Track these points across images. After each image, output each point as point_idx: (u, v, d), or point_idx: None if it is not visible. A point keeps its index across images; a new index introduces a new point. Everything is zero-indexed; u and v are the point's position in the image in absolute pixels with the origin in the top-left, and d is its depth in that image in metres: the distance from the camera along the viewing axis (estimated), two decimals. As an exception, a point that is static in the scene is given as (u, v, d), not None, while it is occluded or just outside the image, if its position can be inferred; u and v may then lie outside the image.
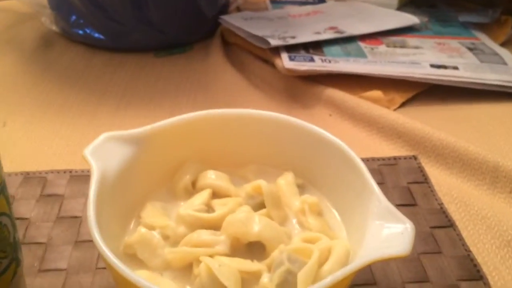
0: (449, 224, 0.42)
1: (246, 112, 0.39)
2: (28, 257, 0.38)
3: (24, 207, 0.42)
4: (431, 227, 0.41)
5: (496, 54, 0.64)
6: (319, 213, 0.36)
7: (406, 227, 0.28)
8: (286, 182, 0.37)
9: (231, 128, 0.39)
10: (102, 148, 0.34)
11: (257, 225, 0.32)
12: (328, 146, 0.36)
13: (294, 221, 0.35)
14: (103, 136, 0.35)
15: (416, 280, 0.37)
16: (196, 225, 0.34)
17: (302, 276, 0.29)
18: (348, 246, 0.32)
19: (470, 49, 0.65)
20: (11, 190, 0.44)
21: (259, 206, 0.35)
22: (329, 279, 0.25)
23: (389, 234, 0.28)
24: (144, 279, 0.26)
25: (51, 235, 0.40)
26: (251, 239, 0.32)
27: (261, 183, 0.35)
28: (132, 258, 0.33)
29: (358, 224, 0.32)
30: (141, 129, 0.36)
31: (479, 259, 0.39)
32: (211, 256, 0.31)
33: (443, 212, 0.43)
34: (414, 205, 0.44)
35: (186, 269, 0.32)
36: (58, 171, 0.46)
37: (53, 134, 0.52)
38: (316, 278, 0.29)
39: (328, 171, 0.37)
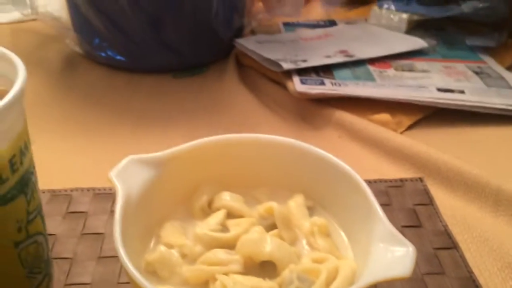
0: (453, 246, 0.43)
1: (260, 137, 0.41)
2: (55, 272, 0.40)
3: (51, 223, 0.45)
4: (435, 248, 0.43)
5: (502, 78, 0.66)
6: (327, 234, 0.38)
7: (408, 250, 0.31)
8: (296, 204, 0.40)
9: (246, 152, 0.41)
10: (126, 170, 0.37)
11: (269, 246, 0.34)
12: (335, 170, 0.38)
13: (304, 241, 0.38)
14: (127, 159, 0.37)
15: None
16: (212, 244, 0.36)
17: (311, 294, 0.31)
18: (354, 267, 0.34)
19: (477, 73, 0.67)
20: (39, 207, 0.47)
21: (271, 226, 0.38)
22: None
23: (392, 256, 0.31)
24: None
25: (76, 250, 0.43)
26: (264, 259, 0.34)
27: (273, 205, 0.38)
28: (152, 274, 0.35)
29: (364, 245, 0.34)
30: (162, 153, 0.39)
31: (481, 280, 0.41)
32: (226, 274, 0.33)
33: (447, 233, 0.45)
34: (419, 226, 0.46)
35: (202, 286, 0.34)
36: (82, 189, 0.49)
37: (76, 151, 0.55)
38: (323, 297, 0.32)
39: (335, 194, 0.39)
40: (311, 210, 0.40)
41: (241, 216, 0.39)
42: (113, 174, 0.36)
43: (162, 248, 0.36)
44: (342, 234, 0.38)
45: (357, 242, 0.37)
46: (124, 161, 0.37)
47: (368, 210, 0.35)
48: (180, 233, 0.38)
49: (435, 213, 0.47)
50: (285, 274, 0.33)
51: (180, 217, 0.40)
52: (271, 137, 0.41)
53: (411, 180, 0.51)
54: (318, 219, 0.38)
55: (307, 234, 0.38)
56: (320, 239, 0.37)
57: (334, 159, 0.39)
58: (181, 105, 0.65)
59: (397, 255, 0.31)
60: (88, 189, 0.49)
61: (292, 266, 0.33)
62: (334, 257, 0.35)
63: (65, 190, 0.49)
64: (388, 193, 0.49)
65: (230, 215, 0.40)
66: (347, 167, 0.38)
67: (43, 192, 0.49)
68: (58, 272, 0.41)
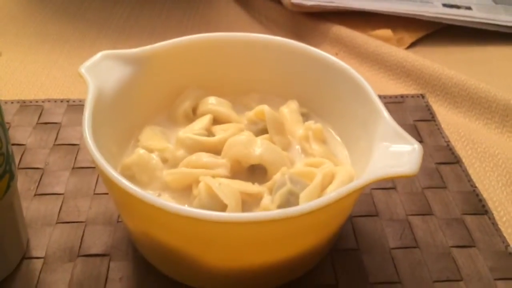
0: (455, 161, 0.41)
1: (250, 36, 0.37)
2: (24, 182, 0.37)
3: (20, 133, 0.41)
4: (437, 163, 0.40)
5: (511, -5, 0.62)
6: (323, 140, 0.34)
7: (414, 147, 0.27)
8: (289, 110, 0.36)
9: (234, 52, 0.37)
10: (99, 66, 0.33)
11: (259, 148, 0.31)
12: (335, 72, 0.34)
13: (298, 147, 0.34)
14: (100, 54, 0.33)
15: (420, 213, 0.36)
16: (195, 148, 0.33)
17: (304, 196, 0.28)
18: (352, 172, 0.31)
19: (485, -10, 0.62)
20: (7, 117, 0.43)
21: (261, 132, 0.34)
22: (333, 194, 0.24)
23: (396, 153, 0.27)
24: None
25: (48, 161, 0.39)
26: (253, 162, 0.31)
27: (264, 108, 0.34)
28: (130, 179, 0.31)
29: (364, 149, 0.31)
30: (141, 49, 0.35)
31: (485, 195, 0.38)
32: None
33: (449, 149, 0.42)
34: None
35: (185, 190, 0.31)
36: (55, 100, 0.45)
37: (50, 64, 0.51)
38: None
39: (334, 99, 0.35)
40: (305, 117, 0.37)
41: (228, 122, 0.36)
42: (83, 68, 0.32)
43: (140, 150, 0.32)
44: (339, 140, 0.35)
45: (356, 148, 0.33)
46: (97, 56, 0.33)
47: (370, 111, 0.31)
48: (161, 138, 0.34)
49: (437, 129, 0.44)
50: (277, 177, 0.30)
51: (161, 123, 0.36)
52: (263, 36, 0.37)
53: (412, 96, 0.47)
54: (313, 124, 0.35)
55: (301, 140, 0.34)
56: (315, 144, 0.33)
57: (332, 58, 0.35)
58: (167, 21, 0.59)
59: (402, 152, 0.27)
60: (61, 100, 0.45)
61: (284, 169, 0.30)
62: (328, 161, 0.32)
63: (36, 101, 0.45)
64: (387, 109, 0.45)
65: (217, 121, 0.36)
66: (346, 66, 0.34)
67: (12, 103, 0.44)
68: (28, 182, 0.37)
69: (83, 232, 0.34)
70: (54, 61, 0.51)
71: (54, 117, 0.43)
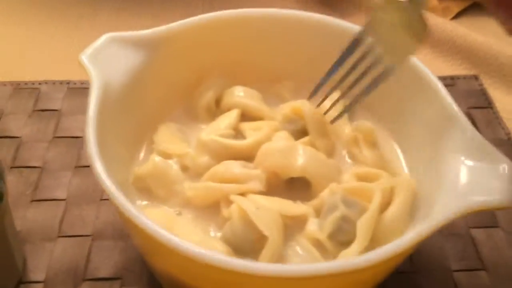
0: (519, 158, 0.35)
1: (282, 12, 0.31)
2: (18, 184, 0.32)
3: (14, 123, 0.36)
4: (498, 162, 0.35)
5: None
6: (373, 144, 0.29)
7: (504, 167, 0.21)
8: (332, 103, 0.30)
9: (262, 32, 0.31)
10: (104, 52, 0.27)
11: (301, 157, 0.25)
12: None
13: (344, 152, 0.29)
14: (105, 37, 0.27)
15: (483, 225, 0.31)
16: (222, 154, 0.27)
17: (363, 225, 0.22)
18: (414, 186, 0.26)
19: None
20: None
21: (300, 133, 0.29)
22: (413, 236, 0.19)
23: (480, 175, 0.22)
24: (154, 221, 0.20)
25: (47, 158, 0.34)
26: (294, 175, 0.25)
27: (302, 104, 0.28)
28: (144, 192, 0.26)
29: (429, 159, 0.25)
30: (152, 30, 0.29)
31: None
32: (242, 194, 0.25)
33: (511, 143, 0.36)
34: None
35: (211, 208, 0.26)
36: (53, 82, 0.39)
37: (47, 38, 0.44)
38: (376, 227, 0.23)
39: (387, 91, 0.29)
40: (350, 113, 0.31)
41: (259, 118, 0.30)
42: (85, 56, 0.26)
43: (156, 158, 0.27)
44: (393, 143, 0.29)
45: (415, 154, 0.28)
46: (101, 39, 0.27)
47: (438, 112, 0.26)
48: (180, 139, 0.29)
49: (495, 118, 0.38)
50: (325, 195, 0.24)
51: (179, 118, 0.31)
52: (297, 12, 0.31)
53: (464, 77, 0.41)
54: (362, 124, 0.29)
55: (349, 143, 0.29)
56: (366, 149, 0.28)
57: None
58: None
59: (488, 173, 0.22)
60: (61, 82, 0.39)
61: (334, 186, 0.24)
62: (385, 172, 0.26)
63: (32, 83, 0.39)
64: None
65: (245, 116, 0.30)
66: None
67: (4, 85, 0.39)
68: (23, 184, 0.32)
69: (90, 248, 0.29)
70: (51, 34, 0.45)
71: (53, 103, 0.38)
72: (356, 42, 0.26)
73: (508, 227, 0.31)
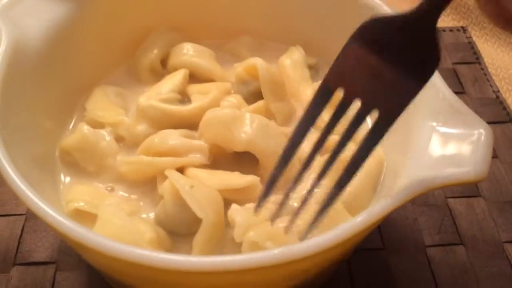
0: (507, 119, 0.32)
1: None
2: None
3: None
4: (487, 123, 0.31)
5: None
6: (339, 107, 0.25)
7: (480, 133, 0.18)
8: (292, 61, 0.27)
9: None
10: (20, 5, 0.23)
11: (247, 129, 0.22)
12: (357, 7, 0.24)
13: (304, 117, 0.25)
14: (18, -14, 0.23)
15: (463, 195, 0.28)
16: (162, 122, 0.24)
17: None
18: (381, 155, 0.22)
19: None
20: None
21: (254, 95, 0.26)
22: (363, 219, 0.16)
23: (451, 141, 0.18)
24: (78, 199, 0.17)
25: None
26: (237, 149, 0.22)
27: (257, 62, 0.25)
28: (72, 167, 0.23)
29: (400, 125, 0.22)
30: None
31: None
32: (182, 168, 0.21)
33: (499, 102, 0.33)
34: (461, 93, 0.34)
35: (148, 183, 0.23)
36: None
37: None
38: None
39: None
40: (314, 71, 0.28)
41: (210, 80, 0.27)
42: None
43: (84, 127, 0.23)
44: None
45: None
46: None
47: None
48: (116, 105, 0.25)
49: (483, 75, 0.35)
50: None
51: (118, 80, 0.28)
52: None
53: (451, 29, 0.38)
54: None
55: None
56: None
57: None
58: None
59: (461, 139, 0.18)
60: None
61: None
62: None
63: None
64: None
65: (194, 77, 0.27)
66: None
67: None
68: None
69: (22, 229, 0.26)
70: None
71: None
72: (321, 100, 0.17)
73: (491, 196, 0.28)
